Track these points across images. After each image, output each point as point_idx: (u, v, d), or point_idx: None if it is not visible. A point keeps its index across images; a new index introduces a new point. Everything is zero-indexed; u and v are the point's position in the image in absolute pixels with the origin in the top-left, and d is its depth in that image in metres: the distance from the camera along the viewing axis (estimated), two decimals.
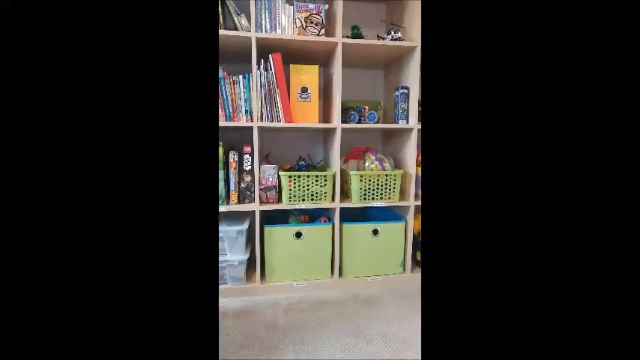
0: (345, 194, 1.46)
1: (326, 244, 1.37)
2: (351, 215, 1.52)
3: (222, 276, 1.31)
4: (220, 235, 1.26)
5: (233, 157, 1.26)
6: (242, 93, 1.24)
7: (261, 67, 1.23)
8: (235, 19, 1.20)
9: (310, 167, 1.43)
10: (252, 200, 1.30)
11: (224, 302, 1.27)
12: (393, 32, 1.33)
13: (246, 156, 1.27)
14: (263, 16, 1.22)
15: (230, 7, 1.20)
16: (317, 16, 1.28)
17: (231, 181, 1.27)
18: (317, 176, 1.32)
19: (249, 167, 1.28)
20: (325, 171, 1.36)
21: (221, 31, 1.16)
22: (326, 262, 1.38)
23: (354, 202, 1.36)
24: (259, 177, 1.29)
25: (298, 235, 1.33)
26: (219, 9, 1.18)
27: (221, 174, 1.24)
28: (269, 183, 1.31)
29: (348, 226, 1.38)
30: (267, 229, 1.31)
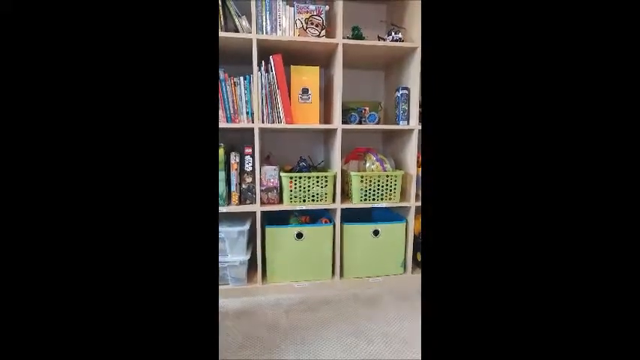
0: (346, 195, 1.46)
1: (327, 244, 1.37)
2: (351, 216, 1.53)
3: (223, 276, 1.31)
4: (221, 235, 1.27)
5: (234, 158, 1.27)
6: (243, 94, 1.25)
7: (262, 68, 1.24)
8: (236, 20, 1.21)
9: (311, 168, 1.43)
10: (253, 201, 1.30)
11: (225, 302, 1.27)
12: (393, 33, 1.33)
13: (248, 157, 1.28)
14: (264, 17, 1.23)
15: (231, 9, 1.21)
16: (317, 17, 1.28)
17: (232, 182, 1.28)
18: (318, 177, 1.33)
19: (251, 168, 1.29)
20: (326, 172, 1.37)
21: (222, 33, 1.17)
22: (327, 262, 1.39)
23: (355, 203, 1.37)
24: (260, 178, 1.29)
25: (299, 235, 1.34)
26: (221, 10, 1.19)
27: (222, 175, 1.25)
28: (270, 184, 1.32)
29: (349, 227, 1.38)
30: (269, 229, 1.32)
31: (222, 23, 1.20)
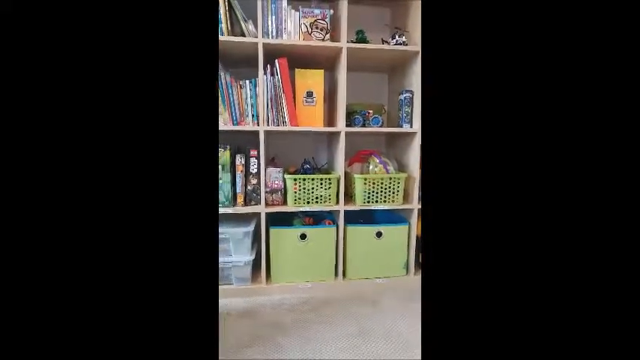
0: (349, 197, 1.48)
1: (330, 245, 1.39)
2: (354, 217, 1.54)
3: (227, 276, 1.33)
4: (226, 236, 1.29)
5: (240, 160, 1.29)
6: (249, 98, 1.27)
7: (268, 71, 1.26)
8: (243, 25, 1.23)
9: (315, 170, 1.45)
10: (258, 202, 1.32)
11: (230, 302, 1.30)
12: (397, 36, 1.35)
13: (253, 159, 1.30)
14: (269, 22, 1.25)
15: (238, 14, 1.23)
16: (322, 22, 1.30)
17: (237, 184, 1.30)
18: (322, 179, 1.34)
19: (256, 170, 1.31)
20: (329, 174, 1.38)
21: (228, 38, 1.19)
22: (330, 263, 1.40)
23: (358, 205, 1.38)
24: (265, 180, 1.31)
25: (303, 236, 1.36)
26: (228, 15, 1.21)
27: (228, 177, 1.27)
28: (275, 186, 1.34)
29: (352, 229, 1.39)
30: (273, 230, 1.34)
31: (229, 28, 1.22)
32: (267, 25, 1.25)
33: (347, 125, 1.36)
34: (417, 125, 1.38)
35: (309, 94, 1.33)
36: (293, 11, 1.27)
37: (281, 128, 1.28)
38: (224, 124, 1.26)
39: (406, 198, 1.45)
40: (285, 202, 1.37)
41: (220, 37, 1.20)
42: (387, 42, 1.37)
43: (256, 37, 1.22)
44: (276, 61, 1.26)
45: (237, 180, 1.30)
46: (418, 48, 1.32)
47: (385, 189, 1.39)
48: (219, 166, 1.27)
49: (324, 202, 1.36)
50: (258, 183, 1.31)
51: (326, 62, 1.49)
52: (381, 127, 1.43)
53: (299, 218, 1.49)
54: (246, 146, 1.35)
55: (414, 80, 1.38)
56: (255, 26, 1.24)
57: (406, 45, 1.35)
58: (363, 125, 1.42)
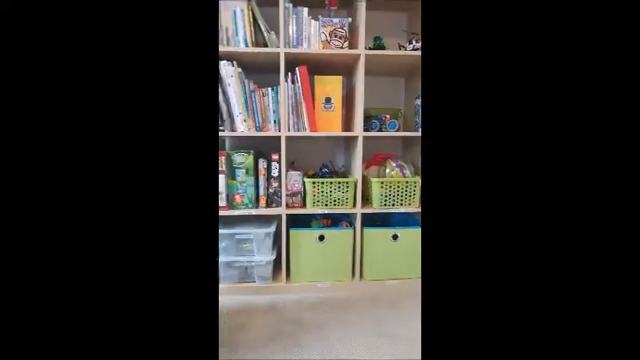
0: (366, 200, 1.51)
1: (347, 247, 1.43)
2: (371, 220, 1.58)
3: (251, 275, 1.40)
4: (250, 236, 1.36)
5: (262, 164, 1.35)
6: (271, 104, 1.33)
7: (289, 79, 1.31)
8: (266, 35, 1.29)
9: (333, 173, 1.49)
10: (279, 204, 1.38)
11: (253, 299, 1.36)
12: (414, 42, 1.37)
13: (274, 163, 1.36)
14: (291, 31, 1.30)
15: (261, 25, 1.29)
16: (341, 30, 1.34)
17: (260, 187, 1.36)
18: (339, 183, 1.39)
19: (277, 174, 1.37)
20: (347, 177, 1.43)
21: (253, 49, 1.26)
22: (347, 264, 1.45)
23: (375, 208, 1.42)
24: (286, 183, 1.37)
25: (321, 238, 1.41)
26: (252, 27, 1.27)
27: (251, 180, 1.34)
28: (294, 189, 1.39)
29: (369, 231, 1.43)
30: (293, 232, 1.39)
31: (253, 38, 1.28)
32: (289, 35, 1.30)
33: (364, 130, 1.40)
34: None
35: (328, 100, 1.38)
36: (313, 21, 1.31)
37: (301, 134, 1.34)
38: (247, 129, 1.33)
39: None
40: (304, 205, 1.43)
41: (244, 48, 1.27)
42: (403, 47, 1.40)
43: (278, 47, 1.28)
44: (296, 69, 1.32)
45: (259, 183, 1.36)
46: None
47: (402, 192, 1.42)
48: (244, 170, 1.34)
49: (342, 204, 1.41)
50: (279, 186, 1.37)
51: (344, 68, 1.53)
52: (397, 131, 1.46)
53: (317, 220, 1.54)
54: (268, 150, 1.41)
55: None
56: (277, 36, 1.29)
57: None
58: (380, 130, 1.45)
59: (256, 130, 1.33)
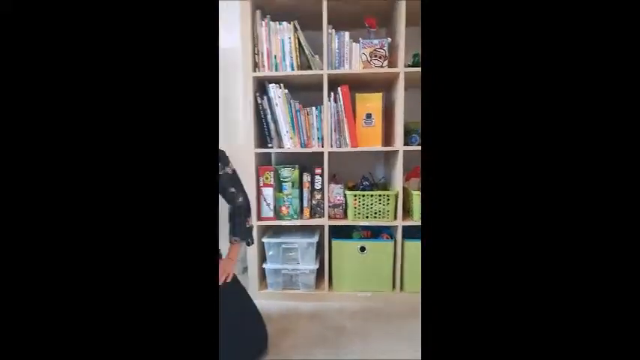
0: (407, 211, 1.53)
1: (388, 259, 1.46)
2: (413, 232, 1.59)
3: (295, 282, 1.49)
4: (295, 245, 1.45)
5: (306, 177, 1.45)
6: (315, 122, 1.43)
7: (332, 98, 1.40)
8: (310, 59, 1.40)
9: (373, 186, 1.54)
10: (321, 215, 1.46)
11: (298, 305, 1.44)
12: None
13: (317, 177, 1.45)
14: (333, 54, 1.40)
15: (305, 49, 1.40)
16: (380, 50, 1.41)
17: (304, 199, 1.46)
18: (380, 195, 1.43)
19: (320, 186, 1.45)
20: (387, 190, 1.46)
21: (298, 72, 1.37)
22: (388, 275, 1.47)
23: (416, 220, 1.43)
24: (328, 195, 1.45)
25: (362, 249, 1.45)
26: (297, 52, 1.39)
27: (296, 192, 1.44)
28: (336, 201, 1.47)
29: (410, 244, 1.45)
30: (335, 242, 1.46)
31: (298, 62, 1.40)
32: (331, 57, 1.40)
33: (404, 144, 1.43)
34: None
35: (369, 116, 1.44)
36: (354, 43, 1.40)
37: (343, 149, 1.41)
38: (293, 146, 1.43)
39: None
40: (345, 216, 1.49)
41: (290, 72, 1.38)
42: None
43: (321, 69, 1.38)
44: (338, 88, 1.40)
45: (304, 195, 1.46)
46: None
47: None
48: (290, 183, 1.44)
49: (383, 216, 1.44)
50: (322, 198, 1.45)
51: (384, 84, 1.59)
52: None
53: (357, 231, 1.59)
54: (312, 165, 1.50)
55: None
56: (321, 58, 1.39)
57: None
58: (420, 144, 1.47)
59: (301, 147, 1.43)
